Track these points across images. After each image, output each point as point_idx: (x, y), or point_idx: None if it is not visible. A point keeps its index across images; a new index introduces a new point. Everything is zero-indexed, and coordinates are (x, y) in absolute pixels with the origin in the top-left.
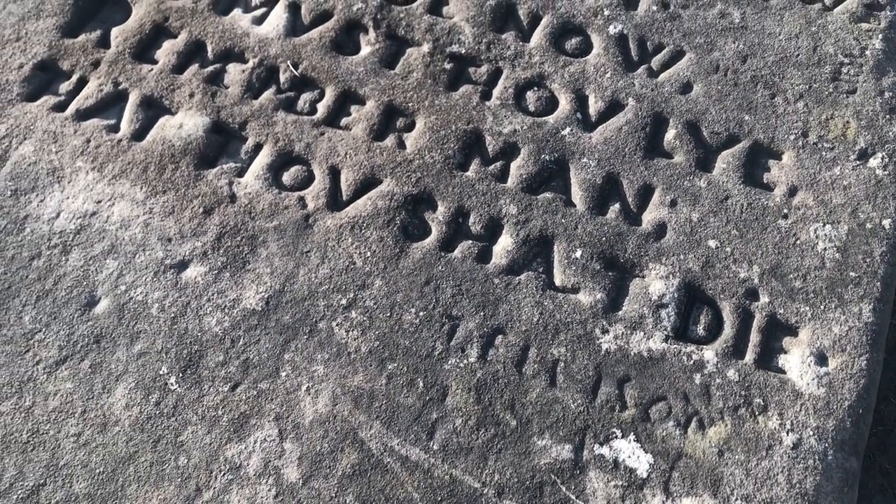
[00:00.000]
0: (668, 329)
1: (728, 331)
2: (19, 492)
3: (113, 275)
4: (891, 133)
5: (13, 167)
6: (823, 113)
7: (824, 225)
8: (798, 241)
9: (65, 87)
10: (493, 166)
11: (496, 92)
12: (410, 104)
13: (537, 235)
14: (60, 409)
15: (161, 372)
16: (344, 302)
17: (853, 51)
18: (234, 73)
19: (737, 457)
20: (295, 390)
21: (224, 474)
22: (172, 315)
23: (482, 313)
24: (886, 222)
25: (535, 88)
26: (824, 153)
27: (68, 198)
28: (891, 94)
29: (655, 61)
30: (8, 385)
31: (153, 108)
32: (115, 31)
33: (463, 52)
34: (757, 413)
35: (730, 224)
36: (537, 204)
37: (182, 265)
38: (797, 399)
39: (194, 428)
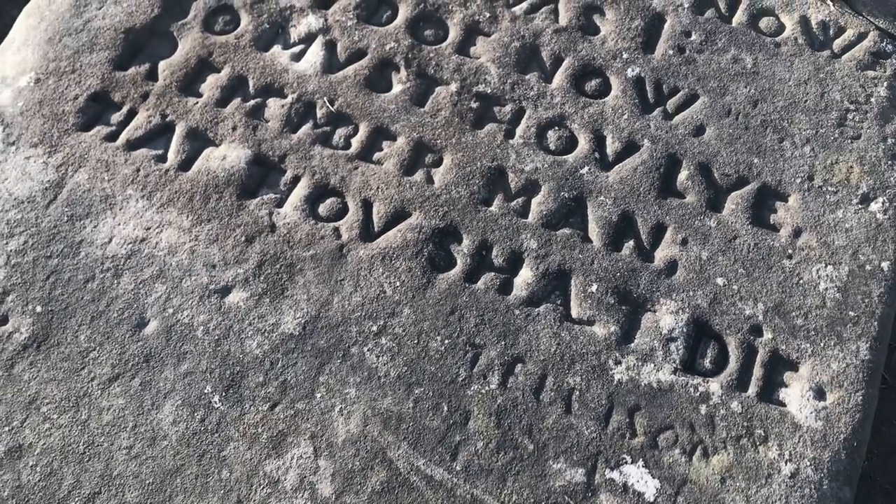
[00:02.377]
0: (677, 362)
1: (733, 365)
2: (77, 499)
3: (161, 298)
4: (892, 178)
5: (69, 194)
6: (829, 157)
7: (826, 266)
8: (801, 281)
9: (116, 117)
10: (515, 202)
11: (519, 130)
12: (438, 141)
13: (556, 269)
14: (113, 423)
15: (206, 391)
16: (375, 329)
17: (859, 98)
18: (274, 108)
19: (738, 484)
20: (329, 411)
21: (263, 488)
22: (216, 337)
23: (503, 342)
24: (885, 265)
25: (556, 128)
26: (828, 196)
27: (119, 224)
28: (893, 140)
29: (670, 104)
30: (66, 399)
31: (198, 140)
32: (162, 65)
33: (489, 91)
34: (758, 443)
35: (737, 263)
36: (556, 239)
37: (225, 290)
38: (796, 431)
39: (236, 444)
